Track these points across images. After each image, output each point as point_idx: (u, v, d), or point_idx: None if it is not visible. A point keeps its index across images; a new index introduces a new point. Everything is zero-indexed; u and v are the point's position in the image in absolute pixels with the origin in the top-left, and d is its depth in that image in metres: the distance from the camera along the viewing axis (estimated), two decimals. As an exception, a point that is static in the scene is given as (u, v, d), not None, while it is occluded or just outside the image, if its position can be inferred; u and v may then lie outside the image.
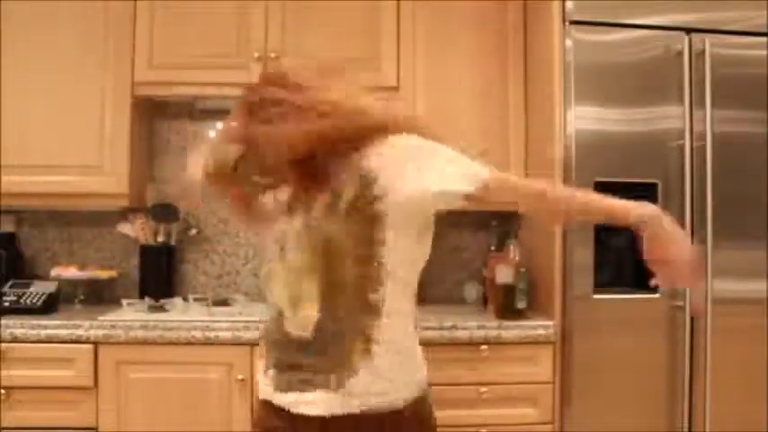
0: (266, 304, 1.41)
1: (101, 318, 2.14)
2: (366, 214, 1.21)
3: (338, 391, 1.20)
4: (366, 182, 1.21)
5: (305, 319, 1.24)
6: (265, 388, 1.30)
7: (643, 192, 2.17)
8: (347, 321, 1.22)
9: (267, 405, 1.28)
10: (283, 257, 1.29)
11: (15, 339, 2.06)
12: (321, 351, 1.22)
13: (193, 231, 2.70)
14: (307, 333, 1.24)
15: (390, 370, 1.22)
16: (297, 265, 1.26)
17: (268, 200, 1.42)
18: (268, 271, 1.34)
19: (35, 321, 2.10)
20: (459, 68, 2.49)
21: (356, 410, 1.19)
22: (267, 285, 1.34)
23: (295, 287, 1.25)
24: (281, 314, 1.29)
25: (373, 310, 1.22)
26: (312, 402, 1.20)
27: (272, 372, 1.28)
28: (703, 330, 2.15)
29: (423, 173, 1.19)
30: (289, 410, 1.23)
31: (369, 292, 1.22)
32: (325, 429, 1.19)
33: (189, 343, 2.09)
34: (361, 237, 1.21)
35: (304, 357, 1.24)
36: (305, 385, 1.22)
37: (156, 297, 2.42)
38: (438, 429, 1.34)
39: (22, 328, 2.07)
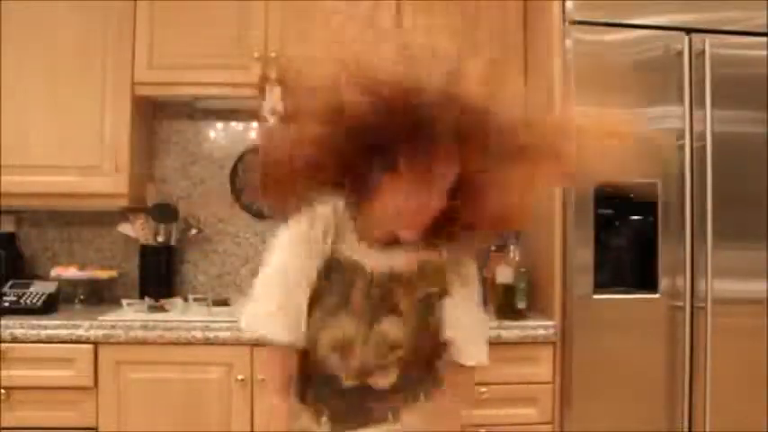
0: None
1: (101, 318, 2.14)
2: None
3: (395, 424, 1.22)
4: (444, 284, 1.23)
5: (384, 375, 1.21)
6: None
7: (643, 192, 2.18)
8: (421, 386, 1.25)
9: None
10: (352, 357, 1.19)
11: (15, 339, 2.06)
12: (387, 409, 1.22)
13: (193, 231, 2.70)
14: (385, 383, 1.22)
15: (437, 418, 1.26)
16: (385, 342, 1.19)
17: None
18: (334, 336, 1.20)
19: (35, 321, 2.10)
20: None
21: None
22: (327, 350, 1.21)
23: (371, 360, 1.20)
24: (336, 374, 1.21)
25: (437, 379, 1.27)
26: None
27: (325, 419, 1.22)
28: (703, 330, 2.15)
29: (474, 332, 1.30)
30: None
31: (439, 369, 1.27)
32: None
33: (189, 343, 2.09)
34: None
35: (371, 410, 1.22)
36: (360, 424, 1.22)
37: (156, 297, 2.42)
38: None
39: (22, 328, 2.07)
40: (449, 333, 1.24)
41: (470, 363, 1.27)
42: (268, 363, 1.29)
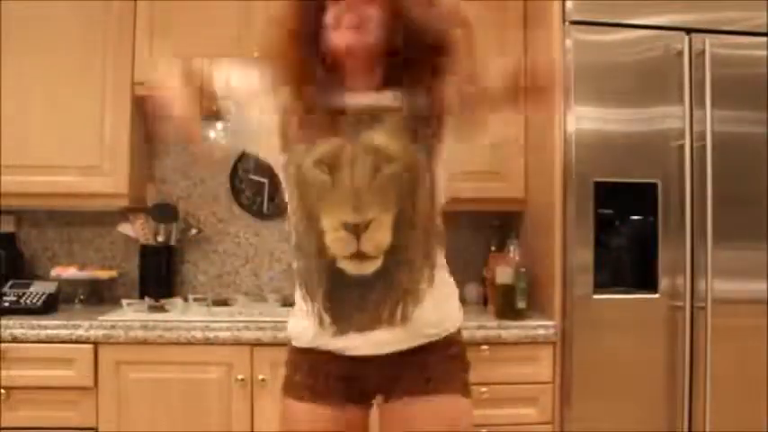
0: (299, 239, 1.26)
1: (101, 318, 2.14)
2: (428, 144, 1.24)
3: (404, 325, 1.22)
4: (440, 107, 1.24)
5: (372, 256, 1.19)
6: (312, 335, 1.28)
7: (643, 192, 2.18)
8: (418, 248, 1.23)
9: (313, 352, 1.29)
10: (335, 181, 1.19)
11: (15, 339, 2.06)
12: (388, 283, 1.20)
13: (193, 231, 2.70)
14: (371, 271, 1.19)
15: (445, 299, 1.31)
16: (362, 191, 1.18)
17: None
18: (311, 193, 1.21)
19: (35, 321, 2.10)
20: (459, 68, 2.49)
21: (420, 342, 1.26)
22: (312, 212, 1.21)
23: (359, 215, 1.17)
24: (330, 251, 1.20)
25: (436, 236, 1.26)
26: (377, 343, 1.24)
27: (326, 317, 1.24)
28: (703, 330, 2.15)
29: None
30: (347, 354, 1.26)
31: (435, 227, 1.26)
32: (385, 364, 1.26)
33: (189, 343, 2.09)
34: (427, 167, 1.23)
35: (365, 300, 1.21)
36: (367, 326, 1.22)
37: (156, 297, 2.42)
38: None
39: (22, 328, 2.07)
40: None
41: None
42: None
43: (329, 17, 1.20)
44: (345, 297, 1.22)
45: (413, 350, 1.27)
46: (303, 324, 1.30)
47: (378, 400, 1.32)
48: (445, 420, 1.26)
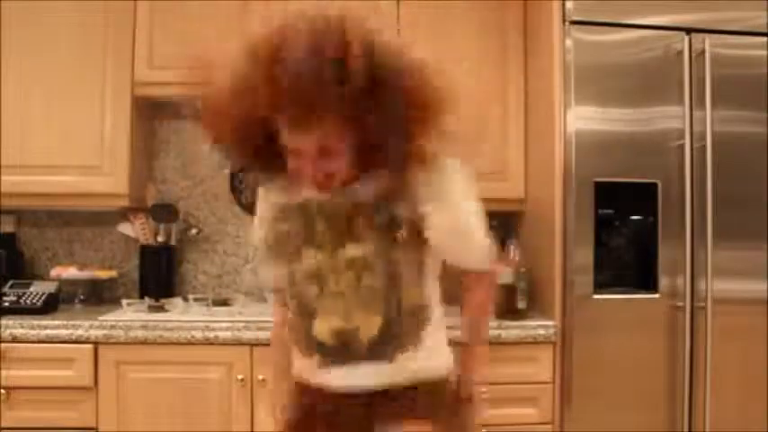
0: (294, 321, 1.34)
1: (101, 318, 2.14)
2: (417, 242, 1.25)
3: (390, 362, 1.25)
4: (417, 211, 1.23)
5: (361, 345, 1.24)
6: (305, 368, 1.31)
7: (643, 192, 2.18)
8: (405, 334, 1.26)
9: (307, 386, 1.32)
10: (328, 292, 1.25)
11: (15, 339, 2.06)
12: (376, 353, 1.25)
13: (193, 231, 2.70)
14: (361, 346, 1.25)
15: (432, 355, 1.31)
16: (351, 300, 1.23)
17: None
18: (304, 302, 1.28)
19: (35, 321, 2.10)
20: (459, 68, 2.48)
21: (404, 379, 1.27)
22: (306, 313, 1.28)
23: (348, 322, 1.24)
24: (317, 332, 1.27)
25: (424, 323, 1.29)
26: (360, 375, 1.26)
27: (317, 358, 1.28)
28: (703, 330, 2.15)
29: (466, 237, 1.30)
30: (331, 386, 1.28)
31: (425, 304, 1.29)
32: (369, 403, 1.27)
33: (189, 343, 2.09)
34: (415, 264, 1.26)
35: (355, 356, 1.26)
36: (351, 360, 1.26)
37: (156, 297, 2.42)
38: None
39: (22, 328, 2.07)
40: (439, 241, 1.26)
41: (476, 266, 1.35)
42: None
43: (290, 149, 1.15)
44: (335, 352, 1.27)
45: (398, 392, 1.27)
46: (297, 360, 1.34)
47: None
48: None
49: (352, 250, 1.22)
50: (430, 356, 1.30)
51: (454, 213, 1.27)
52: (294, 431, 1.34)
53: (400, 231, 1.22)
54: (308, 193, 1.25)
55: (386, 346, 1.25)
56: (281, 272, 1.32)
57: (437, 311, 1.33)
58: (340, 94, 1.05)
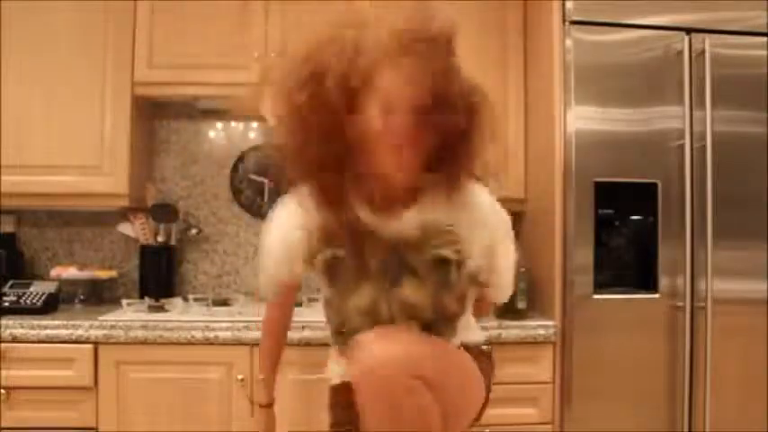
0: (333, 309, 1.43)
1: (101, 318, 2.14)
2: (458, 279, 1.36)
3: None
4: (464, 250, 1.34)
5: None
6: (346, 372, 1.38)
7: (643, 192, 2.18)
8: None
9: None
10: (387, 293, 1.32)
11: (15, 339, 2.06)
12: None
13: (193, 231, 2.70)
14: None
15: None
16: (406, 304, 1.32)
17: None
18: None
19: (35, 321, 2.10)
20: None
21: None
22: (350, 315, 1.36)
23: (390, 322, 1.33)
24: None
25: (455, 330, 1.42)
26: None
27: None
28: (703, 330, 2.16)
29: (501, 277, 1.46)
30: None
31: (457, 327, 1.42)
32: None
33: (189, 343, 2.09)
34: (458, 301, 1.38)
35: None
36: None
37: (156, 297, 2.42)
38: None
39: (22, 328, 2.07)
40: (487, 277, 1.40)
41: (500, 301, 1.52)
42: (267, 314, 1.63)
43: (382, 137, 1.20)
44: None
45: None
46: (338, 366, 1.45)
47: None
48: None
49: (410, 293, 1.30)
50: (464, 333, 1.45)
51: (498, 254, 1.41)
52: (346, 427, 1.41)
53: (451, 270, 1.31)
54: (361, 213, 1.30)
55: None
56: (327, 293, 1.40)
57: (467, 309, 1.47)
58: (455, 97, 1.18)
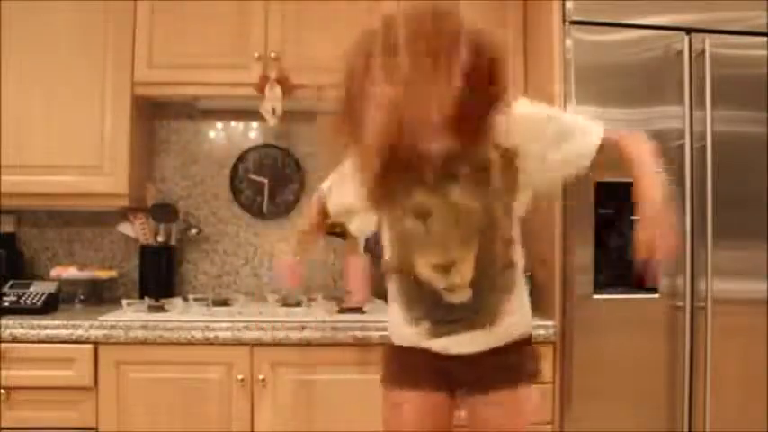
0: (397, 271, 1.55)
1: (101, 318, 2.14)
2: (509, 187, 1.47)
3: (491, 329, 1.49)
4: (507, 154, 1.44)
5: (461, 287, 1.46)
6: (412, 336, 1.53)
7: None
8: (497, 282, 1.49)
9: (412, 349, 1.54)
10: (428, 230, 1.45)
11: (15, 339, 2.06)
12: (476, 309, 1.48)
13: (193, 231, 2.70)
14: (463, 298, 1.47)
15: (522, 306, 1.57)
16: (448, 237, 1.44)
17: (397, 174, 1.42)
18: (405, 240, 1.49)
19: (35, 321, 2.10)
20: (459, 68, 2.49)
21: (504, 342, 1.51)
22: (406, 255, 1.49)
23: (446, 257, 1.45)
24: (426, 281, 1.48)
25: (513, 268, 1.53)
26: (465, 343, 1.49)
27: (425, 324, 1.51)
28: (703, 330, 2.16)
29: (559, 143, 1.47)
30: (441, 352, 1.51)
31: (511, 255, 1.52)
32: (471, 362, 1.50)
33: (189, 343, 2.09)
34: (505, 209, 1.48)
35: (459, 314, 1.48)
36: (459, 331, 1.49)
37: (156, 297, 2.42)
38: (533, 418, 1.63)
39: (22, 328, 2.07)
40: (552, 161, 1.47)
41: (596, 143, 1.49)
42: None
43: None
44: (442, 313, 1.49)
45: (495, 350, 1.51)
46: (403, 329, 1.56)
47: (461, 392, 1.55)
48: (514, 408, 1.52)
49: (456, 195, 1.42)
50: (519, 320, 1.55)
51: (547, 126, 1.47)
52: (402, 384, 1.55)
53: (493, 172, 1.43)
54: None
55: (484, 303, 1.48)
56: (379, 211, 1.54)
57: (521, 264, 1.56)
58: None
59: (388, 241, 1.56)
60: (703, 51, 2.17)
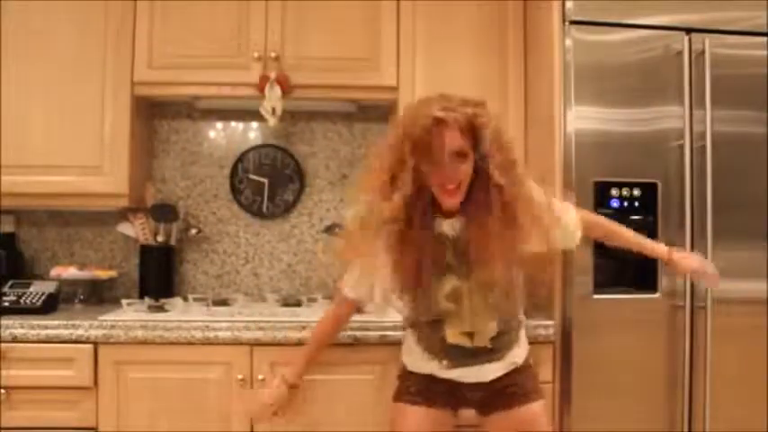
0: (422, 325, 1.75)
1: (101, 318, 2.14)
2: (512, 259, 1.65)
3: (500, 361, 1.73)
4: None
5: (482, 340, 1.69)
6: (430, 369, 1.74)
7: (643, 192, 2.18)
8: (512, 332, 1.75)
9: (429, 376, 1.75)
10: (459, 308, 1.65)
11: (15, 339, 2.06)
12: (491, 351, 1.71)
13: (193, 231, 2.70)
14: (482, 344, 1.70)
15: (520, 346, 1.80)
16: (478, 311, 1.66)
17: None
18: (437, 317, 1.68)
19: (35, 321, 2.10)
20: (459, 68, 2.49)
21: (509, 369, 1.75)
22: (436, 327, 1.69)
23: (474, 327, 1.68)
24: (452, 342, 1.69)
25: (521, 324, 1.81)
26: (479, 374, 1.73)
27: (444, 361, 1.71)
28: (703, 330, 2.15)
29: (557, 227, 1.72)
30: (455, 380, 1.73)
31: (519, 306, 1.80)
32: (483, 387, 1.74)
33: (189, 343, 2.09)
34: (515, 275, 1.72)
35: (475, 355, 1.70)
36: (474, 364, 1.71)
37: (156, 297, 2.42)
38: (552, 429, 1.88)
39: (22, 328, 2.07)
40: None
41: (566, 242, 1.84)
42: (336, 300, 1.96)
43: (433, 181, 1.59)
44: (460, 355, 1.70)
45: (502, 376, 1.74)
46: (420, 363, 1.76)
47: (469, 413, 1.78)
48: (531, 421, 1.75)
49: (486, 273, 1.60)
50: (520, 350, 1.79)
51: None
52: (415, 402, 1.74)
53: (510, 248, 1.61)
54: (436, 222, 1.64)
55: (499, 346, 1.71)
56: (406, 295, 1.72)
57: (522, 316, 1.82)
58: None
59: (413, 312, 1.75)
60: (703, 51, 2.17)
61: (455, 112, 1.54)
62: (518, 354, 1.78)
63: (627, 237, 1.95)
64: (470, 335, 1.68)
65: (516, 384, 1.75)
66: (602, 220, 1.96)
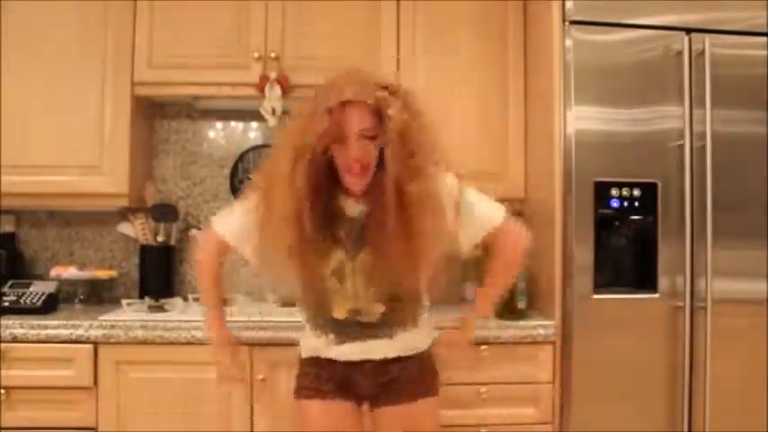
0: (309, 306, 1.70)
1: (101, 318, 2.14)
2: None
3: (390, 339, 1.64)
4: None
5: (371, 320, 1.62)
6: (317, 346, 1.68)
7: (643, 192, 2.18)
8: (405, 313, 1.65)
9: (318, 361, 1.69)
10: (343, 288, 1.60)
11: (15, 339, 2.06)
12: (379, 327, 1.63)
13: (193, 231, 2.70)
14: (370, 320, 1.62)
15: (416, 332, 1.69)
16: (358, 295, 1.60)
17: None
18: (322, 293, 1.62)
19: (35, 321, 2.10)
20: (459, 68, 2.49)
21: (400, 353, 1.67)
22: (322, 305, 1.63)
23: (359, 305, 1.61)
24: (339, 317, 1.63)
25: (417, 301, 1.68)
26: (365, 351, 1.64)
27: (330, 335, 1.65)
28: (703, 330, 2.16)
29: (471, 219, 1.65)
30: (342, 360, 1.66)
31: (420, 296, 1.68)
32: (373, 371, 1.66)
33: (189, 343, 2.09)
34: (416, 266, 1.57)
35: (363, 330, 1.63)
36: (360, 338, 1.64)
37: (156, 297, 2.42)
38: (438, 429, 1.73)
39: (22, 328, 2.07)
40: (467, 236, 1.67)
41: (495, 225, 1.71)
42: (206, 238, 1.84)
43: (339, 161, 1.53)
44: (348, 329, 1.64)
45: (393, 360, 1.66)
46: (310, 340, 1.70)
47: (366, 406, 1.70)
48: (415, 419, 1.68)
49: (368, 256, 1.56)
50: (421, 336, 1.70)
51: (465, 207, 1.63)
52: (309, 395, 1.68)
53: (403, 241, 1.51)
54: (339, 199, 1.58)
55: (389, 322, 1.62)
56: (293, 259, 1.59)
57: (426, 302, 1.72)
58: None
59: (301, 289, 1.68)
60: (703, 51, 2.17)
61: (366, 94, 1.49)
62: (417, 339, 1.69)
63: (493, 278, 1.81)
64: (357, 311, 1.61)
65: (408, 377, 1.67)
66: (506, 253, 1.79)
